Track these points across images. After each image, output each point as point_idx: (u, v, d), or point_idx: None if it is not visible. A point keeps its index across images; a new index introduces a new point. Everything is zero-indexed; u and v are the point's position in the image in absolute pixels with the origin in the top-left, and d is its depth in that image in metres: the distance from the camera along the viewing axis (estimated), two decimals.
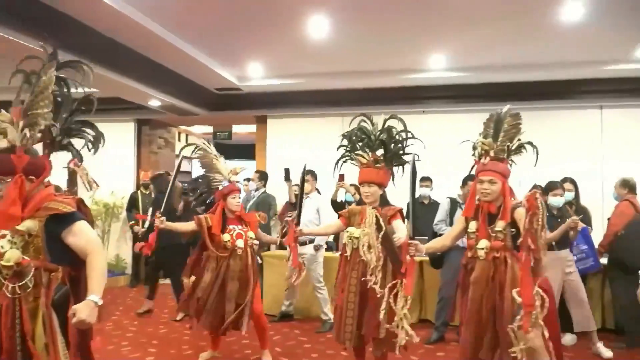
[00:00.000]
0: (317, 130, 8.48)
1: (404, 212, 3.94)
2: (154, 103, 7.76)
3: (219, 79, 7.53)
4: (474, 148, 3.37)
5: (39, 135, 2.49)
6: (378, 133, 3.81)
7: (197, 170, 16.08)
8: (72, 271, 2.47)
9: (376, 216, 3.58)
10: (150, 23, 5.36)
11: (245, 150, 13.10)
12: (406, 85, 7.72)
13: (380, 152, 3.81)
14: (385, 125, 3.83)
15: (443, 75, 7.29)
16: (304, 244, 5.76)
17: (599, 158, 7.61)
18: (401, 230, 3.60)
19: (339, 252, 3.99)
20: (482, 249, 3.22)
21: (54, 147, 2.58)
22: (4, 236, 2.36)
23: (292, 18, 5.43)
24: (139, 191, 8.44)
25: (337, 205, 6.16)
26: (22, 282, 2.34)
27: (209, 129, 13.01)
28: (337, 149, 3.88)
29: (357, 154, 3.80)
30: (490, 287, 3.12)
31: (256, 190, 7.06)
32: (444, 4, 5.04)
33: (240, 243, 4.30)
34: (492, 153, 3.28)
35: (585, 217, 5.15)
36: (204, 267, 4.28)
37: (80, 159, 2.87)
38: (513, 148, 3.29)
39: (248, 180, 7.57)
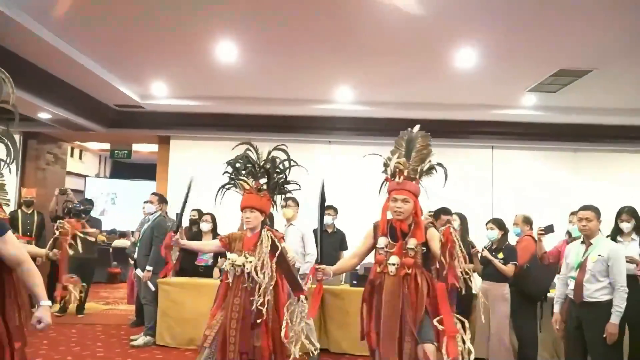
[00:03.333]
0: (222, 154, 8.29)
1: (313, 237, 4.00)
2: (44, 116, 7.24)
3: (119, 95, 7.19)
4: (386, 165, 3.49)
5: None
6: (262, 162, 3.92)
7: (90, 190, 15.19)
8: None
9: (271, 237, 3.61)
10: (41, 30, 5.01)
11: (146, 171, 12.62)
12: (313, 115, 7.84)
13: (263, 180, 3.90)
14: (270, 156, 3.94)
15: (349, 107, 7.50)
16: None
17: (488, 193, 8.16)
18: (291, 251, 3.75)
19: (220, 278, 4.00)
20: (394, 264, 3.31)
21: None
22: None
23: (201, 40, 5.33)
24: (19, 210, 7.76)
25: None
26: None
27: (107, 145, 12.40)
28: (223, 174, 3.93)
29: (240, 180, 3.87)
30: (401, 303, 3.21)
31: (153, 213, 6.74)
32: (351, 38, 5.18)
33: None
34: (405, 172, 3.41)
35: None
36: None
37: None
38: (425, 169, 3.43)
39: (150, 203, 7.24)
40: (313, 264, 3.51)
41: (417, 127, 3.53)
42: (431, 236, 3.28)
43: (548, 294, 5.33)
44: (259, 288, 3.51)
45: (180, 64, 6.13)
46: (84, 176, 15.49)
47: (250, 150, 3.96)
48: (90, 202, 7.85)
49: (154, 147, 10.67)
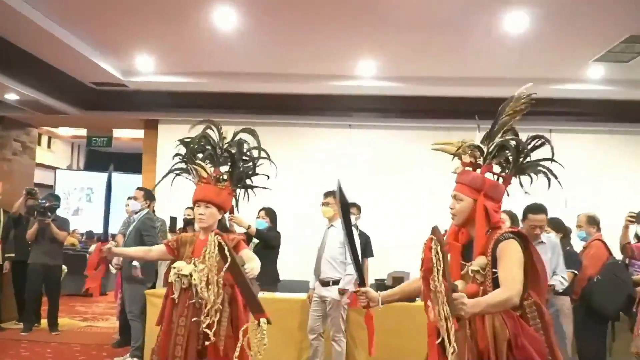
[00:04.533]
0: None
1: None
2: (11, 97, 7.50)
3: (97, 72, 7.41)
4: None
5: None
6: (225, 145, 3.84)
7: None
8: None
9: (219, 243, 3.32)
10: None
11: (129, 161, 12.85)
12: (330, 93, 7.97)
13: (225, 168, 3.85)
14: (236, 138, 3.88)
15: (373, 84, 7.61)
16: (326, 284, 5.75)
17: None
18: (253, 260, 3.60)
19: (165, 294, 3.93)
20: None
21: None
22: None
23: (194, 6, 5.49)
24: None
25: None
26: None
27: (83, 131, 12.66)
28: (174, 157, 3.90)
29: (196, 166, 3.79)
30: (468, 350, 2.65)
31: (139, 211, 6.96)
32: (374, 3, 5.31)
33: None
34: (465, 157, 2.94)
35: None
36: None
37: None
38: (492, 149, 2.88)
39: (134, 199, 7.46)
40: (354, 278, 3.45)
41: (524, 88, 3.01)
42: (501, 253, 2.68)
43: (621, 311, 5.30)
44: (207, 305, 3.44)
45: (169, 34, 6.29)
46: (54, 168, 15.85)
47: (212, 129, 3.87)
48: (56, 199, 8.13)
49: (138, 133, 10.89)
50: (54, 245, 7.86)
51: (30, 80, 7.13)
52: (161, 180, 3.93)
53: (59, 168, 16.29)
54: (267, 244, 6.45)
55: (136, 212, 6.94)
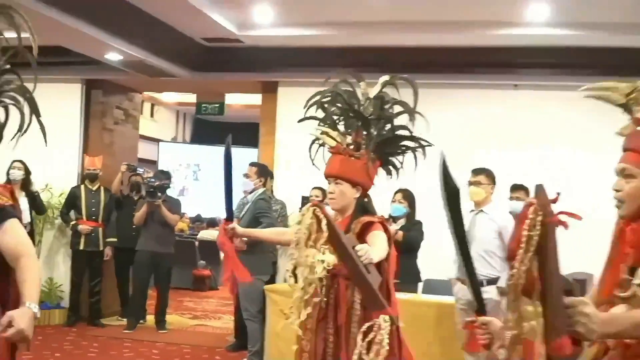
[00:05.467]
0: None
1: None
2: (113, 57, 8.01)
3: (209, 25, 7.72)
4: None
5: None
6: (365, 101, 3.79)
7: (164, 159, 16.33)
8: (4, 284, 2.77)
9: (316, 215, 3.24)
10: None
11: (244, 132, 13.32)
12: (488, 45, 7.83)
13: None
14: (379, 92, 3.79)
15: (545, 32, 7.42)
16: (480, 284, 5.72)
17: None
18: (375, 245, 3.46)
19: None
20: None
21: None
22: None
23: None
24: (82, 186, 8.74)
25: None
26: None
27: (190, 97, 13.28)
28: (303, 121, 3.87)
29: (324, 133, 3.77)
30: None
31: (252, 192, 7.24)
32: None
33: None
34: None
35: None
36: None
37: None
38: None
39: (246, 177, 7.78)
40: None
41: None
42: None
43: None
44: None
45: None
46: (157, 140, 16.76)
47: (346, 84, 3.85)
48: (167, 176, 8.66)
49: (253, 99, 11.31)
50: (165, 231, 8.39)
51: (133, 38, 7.57)
52: (310, 154, 3.91)
53: (162, 140, 17.10)
54: (412, 245, 6.49)
55: (250, 192, 7.21)
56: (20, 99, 2.87)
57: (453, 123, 8.22)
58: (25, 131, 2.88)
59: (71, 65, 8.60)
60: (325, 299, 3.61)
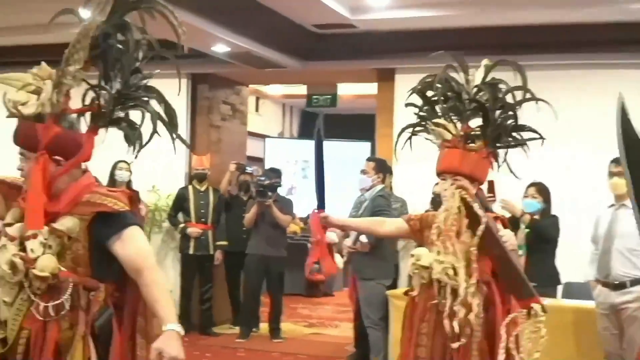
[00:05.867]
0: None
1: None
2: (220, 49, 8.25)
3: (320, 10, 7.83)
4: None
5: (63, 100, 2.87)
6: (474, 90, 3.84)
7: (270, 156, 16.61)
8: (116, 291, 2.93)
9: (465, 200, 3.50)
10: None
11: (358, 125, 13.36)
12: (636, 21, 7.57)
13: (476, 122, 3.86)
14: (489, 79, 3.84)
15: None
16: (620, 286, 5.54)
17: None
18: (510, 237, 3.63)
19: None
20: None
21: (101, 121, 2.98)
22: (35, 236, 2.77)
23: None
24: (190, 186, 9.02)
25: None
26: (58, 301, 2.75)
27: (298, 89, 13.45)
28: (406, 106, 3.94)
29: (435, 124, 3.82)
30: None
31: (370, 189, 7.30)
32: None
33: None
34: None
35: None
36: None
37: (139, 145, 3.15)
38: None
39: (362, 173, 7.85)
40: None
41: None
42: None
43: None
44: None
45: None
46: (263, 136, 17.05)
47: (455, 70, 3.91)
48: (277, 175, 8.81)
49: (366, 88, 11.37)
50: (276, 232, 8.57)
51: (241, 28, 7.77)
52: (397, 145, 4.10)
53: (268, 136, 17.36)
54: (542, 235, 6.40)
55: (367, 189, 7.27)
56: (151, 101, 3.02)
57: (593, 109, 7.98)
58: (149, 139, 3.01)
59: (179, 59, 8.84)
60: (443, 301, 3.67)
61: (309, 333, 9.39)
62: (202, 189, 8.95)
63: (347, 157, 14.93)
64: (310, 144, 15.90)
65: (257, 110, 17.20)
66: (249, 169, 9.54)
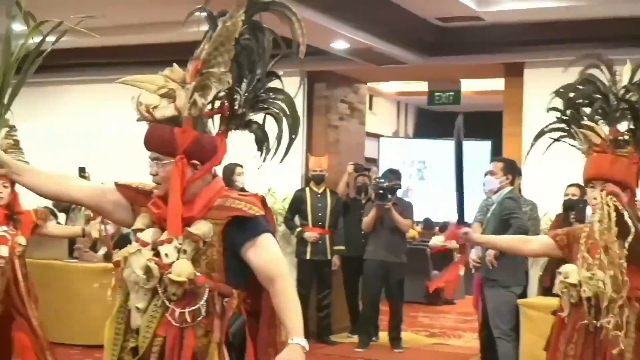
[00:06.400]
0: None
1: None
2: (340, 46, 8.28)
3: (444, 3, 7.80)
4: None
5: (209, 103, 2.93)
6: (622, 90, 3.74)
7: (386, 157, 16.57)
8: (249, 298, 2.95)
9: (616, 207, 3.42)
10: None
11: (477, 123, 13.19)
12: None
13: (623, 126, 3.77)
14: (637, 78, 3.76)
15: None
16: None
17: None
18: None
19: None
20: None
21: (233, 124, 3.01)
22: (169, 241, 2.83)
23: None
24: (307, 189, 9.05)
25: None
26: (195, 307, 2.79)
27: (413, 86, 13.39)
28: (548, 110, 3.88)
29: (583, 127, 3.75)
30: None
31: (498, 191, 7.14)
32: None
33: (3, 251, 5.18)
34: None
35: None
36: None
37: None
38: None
39: (490, 174, 7.70)
40: None
41: None
42: None
43: None
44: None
45: None
46: (377, 136, 17.03)
47: (600, 69, 3.84)
48: (397, 176, 8.75)
49: (490, 84, 11.20)
50: (396, 237, 8.51)
51: (362, 23, 7.75)
52: (531, 149, 4.03)
53: (382, 136, 17.32)
54: None
55: (495, 192, 7.12)
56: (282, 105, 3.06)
57: None
58: (279, 144, 3.07)
59: (290, 57, 8.92)
60: (594, 322, 3.60)
61: (431, 343, 9.31)
62: (320, 191, 8.95)
63: (465, 157, 14.76)
64: (427, 143, 15.98)
65: (370, 108, 17.16)
66: (368, 170, 9.48)
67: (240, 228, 2.84)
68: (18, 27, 2.91)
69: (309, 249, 8.78)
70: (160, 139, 2.86)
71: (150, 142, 2.89)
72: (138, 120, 2.93)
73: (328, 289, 8.93)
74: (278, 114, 3.06)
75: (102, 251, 8.48)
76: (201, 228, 2.82)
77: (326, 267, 8.88)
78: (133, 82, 2.94)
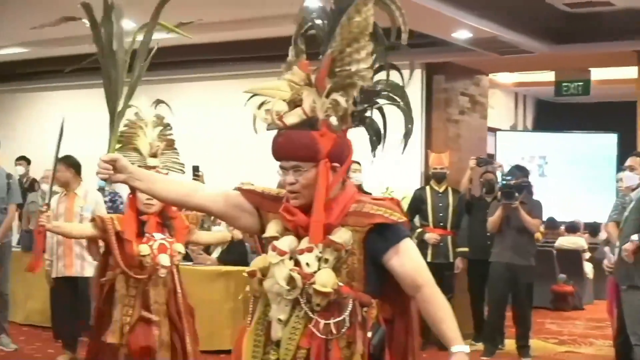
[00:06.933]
0: None
1: None
2: (461, 35, 8.22)
3: None
4: None
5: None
6: None
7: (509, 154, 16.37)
8: (391, 307, 2.95)
9: None
10: None
11: (609, 115, 12.89)
12: None
13: None
14: None
15: None
16: None
17: None
18: None
19: None
20: None
21: (354, 122, 2.97)
22: (310, 250, 2.82)
23: None
24: (427, 187, 8.95)
25: None
26: (340, 318, 2.80)
27: (534, 76, 13.12)
28: None
29: None
30: None
31: (636, 188, 6.95)
32: None
33: (164, 260, 5.01)
34: None
35: None
36: (108, 296, 5.08)
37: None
38: None
39: (628, 169, 7.52)
40: None
41: None
42: None
43: None
44: None
45: None
46: (494, 130, 16.76)
47: None
48: (524, 173, 8.54)
49: (625, 73, 10.88)
50: (524, 239, 8.27)
51: (486, 11, 7.70)
52: None
53: (499, 129, 17.08)
54: None
55: (633, 189, 6.93)
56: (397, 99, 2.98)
57: None
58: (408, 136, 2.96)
59: (414, 48, 8.90)
60: None
61: (561, 351, 9.09)
62: (441, 190, 8.84)
63: (588, 150, 14.43)
64: (547, 137, 15.64)
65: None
66: (492, 166, 9.30)
67: (382, 235, 2.83)
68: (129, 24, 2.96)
69: (429, 252, 8.61)
70: (301, 145, 2.83)
71: (288, 150, 2.86)
72: (268, 129, 2.92)
73: (450, 294, 8.73)
74: (398, 104, 2.99)
75: (215, 253, 8.60)
76: (342, 236, 2.81)
77: (448, 270, 8.72)
78: (259, 90, 2.95)
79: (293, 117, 2.85)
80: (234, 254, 8.10)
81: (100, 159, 2.85)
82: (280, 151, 2.87)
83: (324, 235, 2.81)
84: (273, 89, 2.92)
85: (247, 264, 8.04)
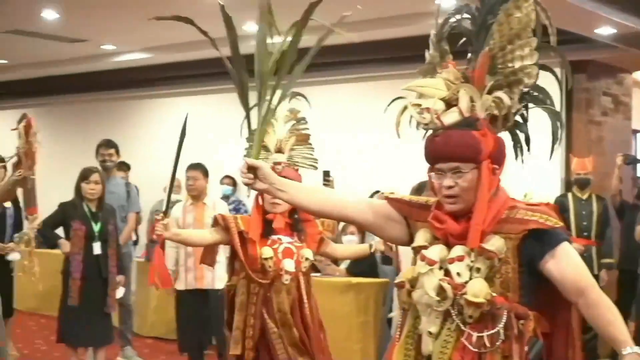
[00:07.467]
0: None
1: None
2: (605, 31, 8.06)
3: None
4: None
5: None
6: None
7: None
8: (549, 320, 2.94)
9: None
10: None
11: None
12: None
13: None
14: None
15: None
16: None
17: None
18: None
19: None
20: None
21: (505, 126, 2.96)
22: (460, 259, 2.83)
23: None
24: (569, 194, 8.76)
25: None
26: (494, 331, 2.77)
27: None
28: None
29: None
30: None
31: None
32: None
33: (289, 265, 4.79)
34: None
35: None
36: (231, 303, 5.02)
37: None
38: None
39: None
40: None
41: None
42: None
43: None
44: None
45: None
46: (635, 132, 16.37)
47: None
48: None
49: None
50: None
51: (632, 5, 7.55)
52: None
53: (637, 130, 16.76)
54: None
55: None
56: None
57: None
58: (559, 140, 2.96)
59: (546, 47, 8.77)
60: None
61: None
62: (584, 197, 8.64)
63: None
64: None
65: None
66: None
67: (537, 241, 2.81)
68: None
69: None
70: (464, 146, 2.83)
71: (448, 151, 2.85)
72: (426, 128, 2.93)
73: None
74: (547, 106, 2.97)
75: (344, 265, 8.63)
76: (495, 243, 2.79)
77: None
78: (417, 87, 2.97)
79: (450, 116, 2.87)
80: (364, 264, 8.05)
81: (242, 164, 2.87)
82: (439, 152, 2.87)
83: (480, 240, 2.80)
84: (430, 86, 2.95)
85: (377, 276, 8.10)
